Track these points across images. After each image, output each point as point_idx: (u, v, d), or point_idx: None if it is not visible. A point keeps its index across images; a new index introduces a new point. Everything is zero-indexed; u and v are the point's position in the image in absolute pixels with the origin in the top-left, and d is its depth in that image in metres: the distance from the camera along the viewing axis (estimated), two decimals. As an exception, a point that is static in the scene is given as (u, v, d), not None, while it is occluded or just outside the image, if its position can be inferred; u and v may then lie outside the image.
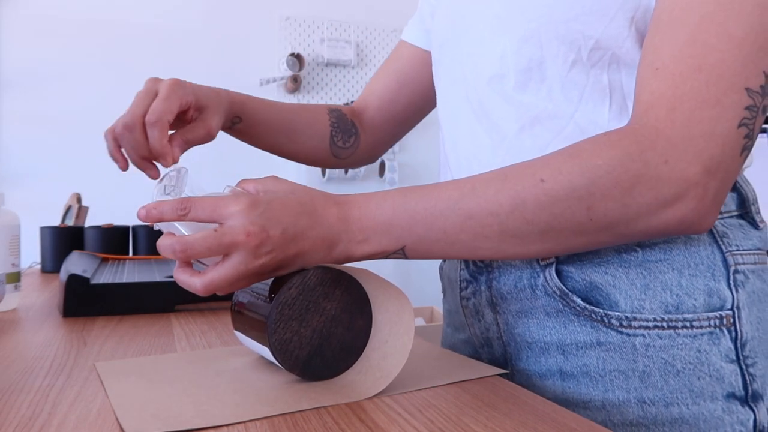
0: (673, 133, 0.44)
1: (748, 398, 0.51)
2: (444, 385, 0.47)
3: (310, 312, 0.47)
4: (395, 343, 0.48)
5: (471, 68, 0.60)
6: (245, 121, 0.73)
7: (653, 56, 0.46)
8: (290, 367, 0.47)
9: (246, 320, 0.51)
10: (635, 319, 0.52)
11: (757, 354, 0.52)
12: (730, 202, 0.56)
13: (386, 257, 0.51)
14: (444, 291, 0.73)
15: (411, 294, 0.98)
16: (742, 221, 0.56)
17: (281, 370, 0.51)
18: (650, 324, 0.52)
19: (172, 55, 2.49)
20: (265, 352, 0.48)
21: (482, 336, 0.64)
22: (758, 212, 0.57)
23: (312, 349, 0.47)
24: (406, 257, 0.50)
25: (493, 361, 0.63)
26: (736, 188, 0.56)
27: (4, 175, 2.30)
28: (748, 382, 0.51)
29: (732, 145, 0.44)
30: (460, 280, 0.66)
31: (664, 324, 0.51)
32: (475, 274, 0.64)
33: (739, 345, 0.51)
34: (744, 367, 0.51)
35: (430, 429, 0.38)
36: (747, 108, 0.44)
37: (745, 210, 0.56)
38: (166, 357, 0.56)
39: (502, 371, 0.51)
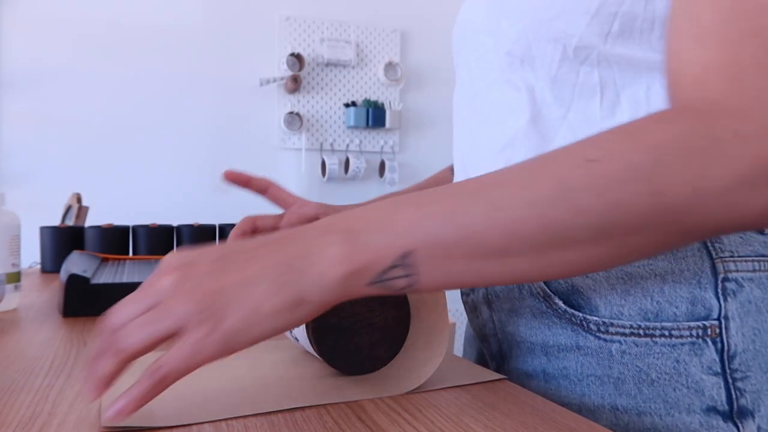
0: (740, 104, 0.36)
1: (733, 414, 0.48)
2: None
3: (360, 303, 0.48)
4: (414, 372, 0.48)
5: (474, 73, 0.60)
6: None
7: (690, 24, 0.40)
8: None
9: None
10: (612, 324, 0.51)
11: (749, 368, 0.48)
12: None
13: (381, 286, 0.36)
14: None
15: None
16: None
17: (274, 369, 0.51)
18: (626, 331, 0.50)
19: (172, 55, 2.49)
20: None
21: (480, 332, 0.65)
22: None
23: (338, 326, 0.47)
24: (412, 282, 0.37)
25: (492, 357, 0.64)
26: None
27: (4, 175, 2.30)
28: (734, 396, 0.48)
29: None
30: None
31: (641, 332, 0.50)
32: None
33: (725, 357, 0.48)
34: (730, 380, 0.48)
35: (430, 429, 0.38)
36: None
37: None
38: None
39: (502, 377, 0.51)
